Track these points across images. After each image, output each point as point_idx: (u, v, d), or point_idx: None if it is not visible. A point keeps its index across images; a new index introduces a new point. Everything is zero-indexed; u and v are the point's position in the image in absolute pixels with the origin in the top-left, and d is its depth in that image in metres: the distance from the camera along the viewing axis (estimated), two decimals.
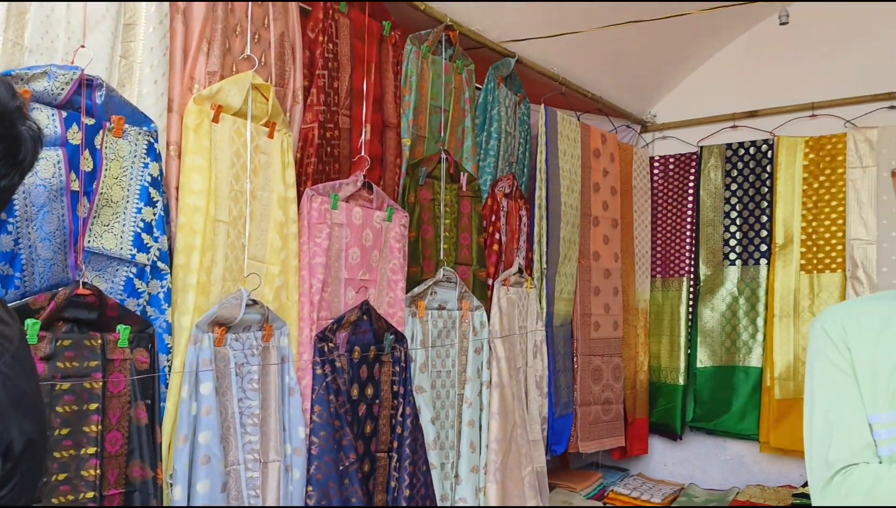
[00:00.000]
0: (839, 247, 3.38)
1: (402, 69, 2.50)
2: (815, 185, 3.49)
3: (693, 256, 3.80)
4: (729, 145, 3.76)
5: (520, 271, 2.94)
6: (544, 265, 3.10)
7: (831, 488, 1.13)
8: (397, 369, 2.31)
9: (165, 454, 1.72)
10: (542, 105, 3.14)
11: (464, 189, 2.72)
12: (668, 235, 3.91)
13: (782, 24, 2.52)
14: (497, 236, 2.90)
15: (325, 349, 2.06)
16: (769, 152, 3.65)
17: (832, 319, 1.25)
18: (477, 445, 2.65)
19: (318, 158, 2.14)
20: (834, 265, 3.41)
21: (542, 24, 3.02)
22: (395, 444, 2.27)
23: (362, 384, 2.20)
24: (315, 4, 2.19)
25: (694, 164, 3.87)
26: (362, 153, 2.30)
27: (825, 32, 3.53)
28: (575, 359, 3.28)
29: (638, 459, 3.87)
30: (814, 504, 1.19)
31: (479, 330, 2.71)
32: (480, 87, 2.92)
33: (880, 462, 1.14)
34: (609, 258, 3.54)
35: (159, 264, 1.71)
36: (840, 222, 3.39)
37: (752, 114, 3.71)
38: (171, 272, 1.75)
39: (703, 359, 3.69)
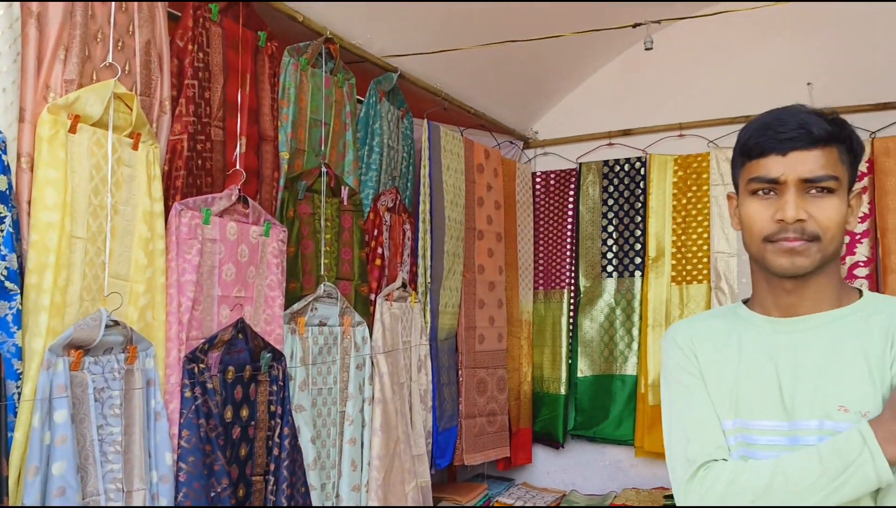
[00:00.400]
0: (705, 260, 3.59)
1: (280, 81, 2.45)
2: (684, 201, 3.69)
3: (573, 268, 3.93)
4: (606, 162, 3.93)
5: (403, 285, 2.94)
6: (429, 279, 3.12)
7: (693, 484, 1.18)
8: (274, 388, 2.25)
9: (13, 487, 1.59)
10: (425, 120, 3.17)
11: (345, 203, 2.70)
12: (550, 248, 4.03)
13: (647, 49, 2.66)
14: (380, 250, 2.89)
15: (196, 370, 1.98)
16: (642, 170, 3.83)
17: (681, 332, 1.34)
18: (358, 463, 2.62)
19: (187, 171, 2.06)
20: (700, 277, 3.61)
21: (425, 39, 3.06)
22: (272, 466, 2.21)
23: (237, 405, 2.12)
24: (184, 12, 2.11)
25: (574, 180, 4.01)
26: (237, 167, 2.23)
27: (690, 58, 3.76)
28: (460, 372, 3.31)
29: (522, 468, 3.94)
30: (678, 503, 1.24)
31: (362, 346, 2.68)
32: (363, 100, 2.91)
33: None
34: (493, 271, 3.60)
35: (7, 283, 1.59)
36: (705, 236, 3.61)
37: (627, 132, 3.89)
38: (21, 293, 1.63)
39: (584, 369, 3.82)
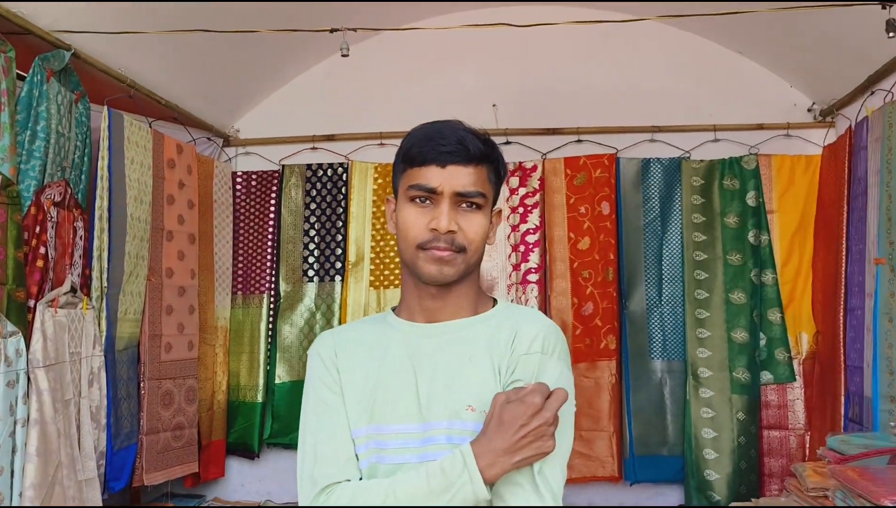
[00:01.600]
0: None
1: None
2: (383, 207, 3.81)
3: (274, 272, 3.84)
4: (309, 166, 3.90)
5: (73, 290, 2.61)
6: (105, 283, 2.81)
7: (316, 505, 1.20)
8: None
9: None
10: (106, 107, 2.85)
11: None
12: (250, 251, 3.89)
13: (343, 55, 2.69)
14: (43, 250, 2.52)
15: None
16: (345, 175, 3.88)
17: (325, 342, 1.35)
18: (7, 495, 2.25)
19: None
20: (398, 282, 3.75)
21: (109, 17, 2.76)
22: None
23: None
24: None
25: (276, 181, 3.92)
26: None
27: (391, 70, 3.91)
28: (141, 384, 3.04)
29: (215, 483, 3.75)
30: None
31: (15, 360, 2.31)
32: (27, 76, 2.53)
33: (361, 478, 1.23)
34: (185, 275, 3.37)
35: None
36: None
37: (331, 137, 3.91)
38: None
39: (282, 374, 3.74)
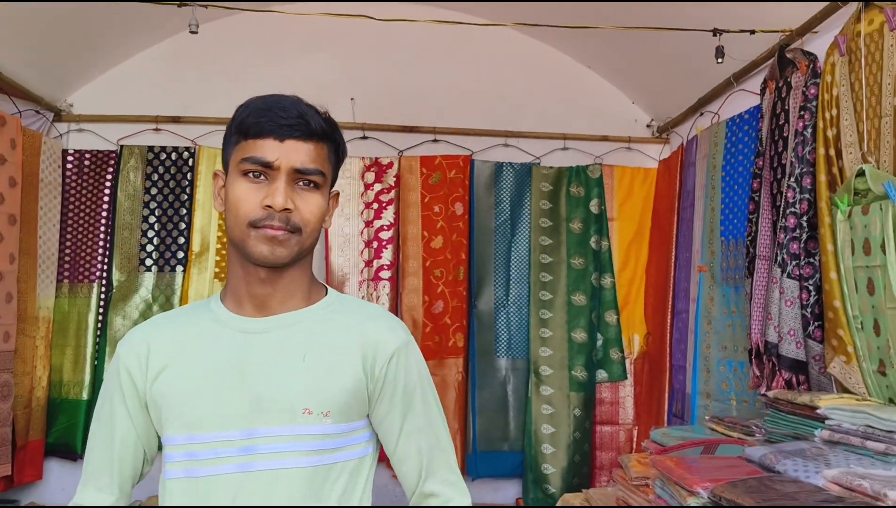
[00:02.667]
0: None
1: None
2: None
3: (106, 260, 3.57)
4: (151, 148, 3.67)
5: None
6: None
7: None
8: None
9: None
10: None
11: None
12: (80, 236, 3.59)
13: (192, 32, 2.54)
14: None
15: None
16: (190, 160, 3.68)
17: (131, 340, 1.23)
18: None
19: None
20: None
21: None
22: None
23: None
24: None
25: (113, 162, 3.65)
26: None
27: (245, 53, 3.76)
28: None
29: (31, 486, 3.43)
30: None
31: None
32: None
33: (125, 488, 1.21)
34: (2, 259, 3.05)
35: None
36: None
37: (176, 119, 3.69)
38: None
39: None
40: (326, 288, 1.28)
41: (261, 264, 1.15)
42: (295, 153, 1.14)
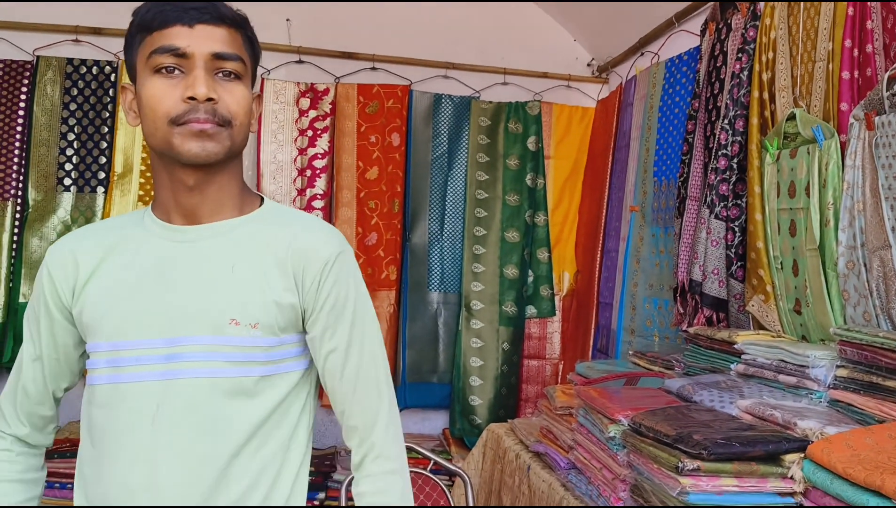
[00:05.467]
0: None
1: None
2: None
3: (22, 178, 3.37)
4: (70, 61, 3.44)
5: None
6: None
7: None
8: None
9: None
10: None
11: None
12: None
13: None
14: None
15: None
16: (112, 76, 3.47)
17: (57, 252, 1.19)
18: None
19: None
20: None
21: None
22: None
23: None
24: None
25: (28, 74, 3.41)
26: None
27: None
28: None
29: None
30: None
31: None
32: None
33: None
34: None
35: None
36: None
37: (97, 31, 3.47)
38: None
39: (27, 292, 3.33)
40: (262, 198, 1.23)
41: (191, 163, 1.07)
42: (208, 38, 1.06)
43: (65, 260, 1.16)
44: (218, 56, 1.06)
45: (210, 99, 1.04)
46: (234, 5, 1.14)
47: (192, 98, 1.03)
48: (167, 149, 1.07)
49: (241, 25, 1.11)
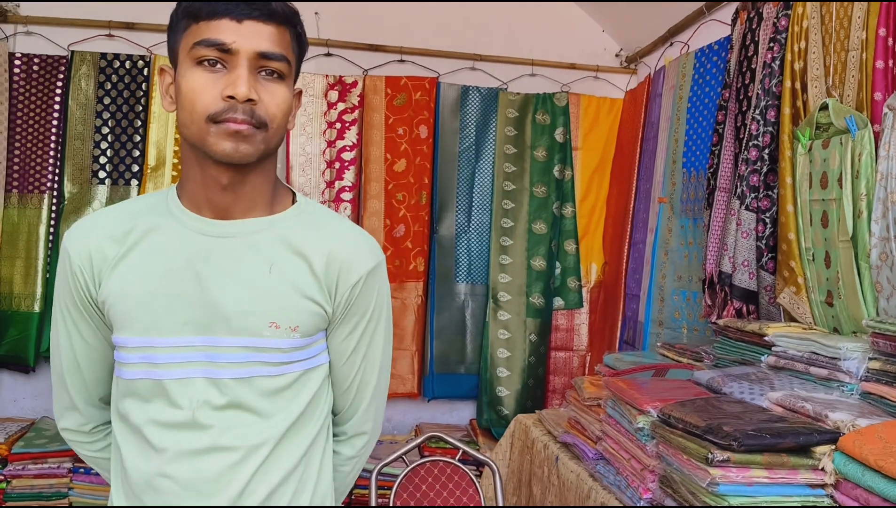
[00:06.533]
0: None
1: None
2: None
3: (57, 171, 3.45)
4: (104, 55, 3.50)
5: None
6: None
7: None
8: None
9: None
10: None
11: None
12: (29, 145, 3.45)
13: None
14: None
15: None
16: (146, 70, 3.53)
17: (78, 235, 1.14)
18: None
19: None
20: None
21: None
22: None
23: None
24: None
25: (63, 69, 3.48)
26: None
27: None
28: None
29: None
30: None
31: None
32: None
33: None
34: None
35: None
36: None
37: (130, 26, 3.53)
38: None
39: None
40: (294, 193, 1.21)
41: (224, 162, 1.04)
42: (256, 36, 1.02)
43: (82, 250, 1.12)
44: (263, 55, 1.03)
45: (250, 100, 1.02)
46: None
47: (231, 97, 1.01)
48: (200, 144, 1.04)
49: (290, 22, 1.08)
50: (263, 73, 1.05)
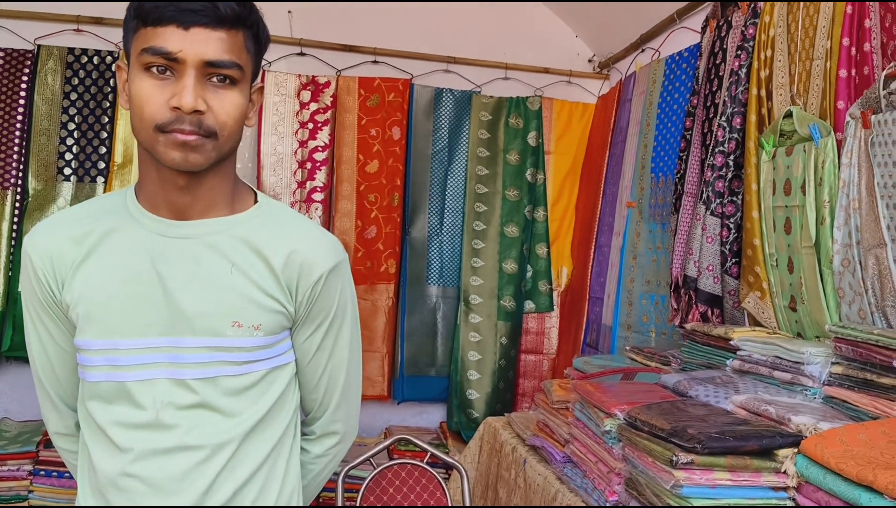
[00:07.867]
0: None
1: None
2: None
3: (22, 167, 3.38)
4: (71, 50, 3.44)
5: None
6: None
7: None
8: None
9: None
10: None
11: None
12: None
13: None
14: None
15: None
16: (113, 66, 3.47)
17: (38, 238, 1.13)
18: None
19: None
20: None
21: None
22: None
23: None
24: None
25: (29, 63, 3.41)
26: None
27: None
28: None
29: None
30: None
31: None
32: None
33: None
34: None
35: None
36: None
37: (99, 21, 3.47)
38: None
39: None
40: (255, 193, 1.20)
41: (174, 169, 1.04)
42: (203, 44, 0.99)
43: (46, 253, 1.11)
44: (211, 64, 1.00)
45: (197, 111, 1.00)
46: None
47: (177, 108, 0.99)
48: (151, 151, 1.03)
49: (243, 23, 1.04)
50: (214, 79, 1.02)
